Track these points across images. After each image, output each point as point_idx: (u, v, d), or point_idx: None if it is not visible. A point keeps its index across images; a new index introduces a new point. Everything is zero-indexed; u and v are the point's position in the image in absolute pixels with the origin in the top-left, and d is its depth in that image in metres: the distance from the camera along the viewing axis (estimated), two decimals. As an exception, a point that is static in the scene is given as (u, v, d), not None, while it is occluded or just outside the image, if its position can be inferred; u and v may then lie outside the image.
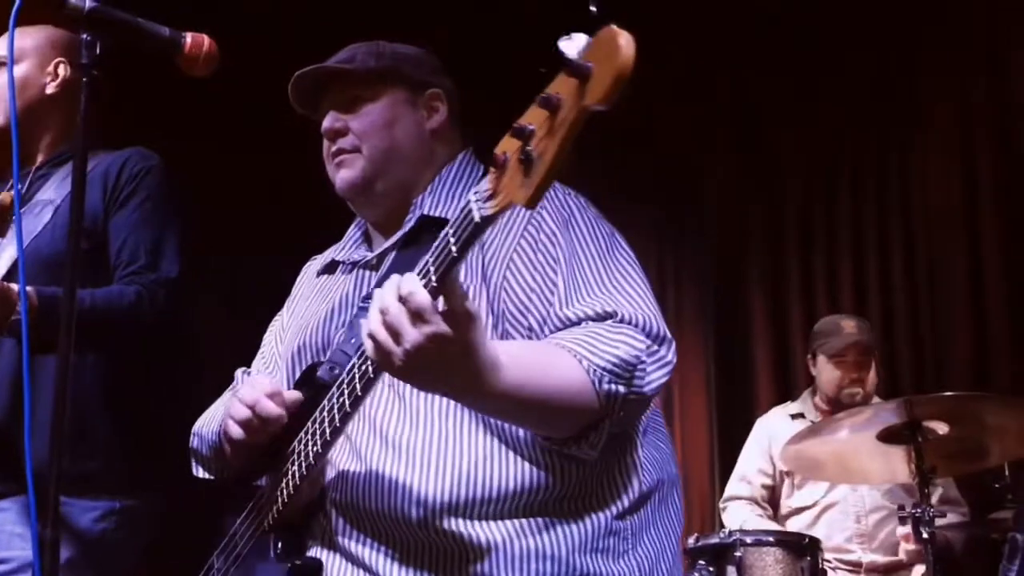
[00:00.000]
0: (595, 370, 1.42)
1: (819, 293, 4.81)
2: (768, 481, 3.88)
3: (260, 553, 1.58)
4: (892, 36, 4.71)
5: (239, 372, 1.89)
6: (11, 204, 1.88)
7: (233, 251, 4.18)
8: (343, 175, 1.71)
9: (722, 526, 3.86)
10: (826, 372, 3.84)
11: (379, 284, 1.65)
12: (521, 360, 1.40)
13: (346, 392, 1.44)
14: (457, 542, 1.46)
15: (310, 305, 1.77)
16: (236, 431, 1.57)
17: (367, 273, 1.71)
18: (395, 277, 1.31)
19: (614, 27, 1.10)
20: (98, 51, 1.56)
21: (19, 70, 2.22)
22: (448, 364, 1.30)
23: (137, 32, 1.61)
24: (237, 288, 4.19)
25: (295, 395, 1.56)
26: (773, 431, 3.89)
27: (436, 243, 1.30)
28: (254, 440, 1.57)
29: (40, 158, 2.29)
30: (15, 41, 2.20)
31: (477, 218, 1.25)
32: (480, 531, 1.46)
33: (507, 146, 1.20)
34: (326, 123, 1.72)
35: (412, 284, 1.28)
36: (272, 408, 1.54)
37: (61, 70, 2.29)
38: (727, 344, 4.97)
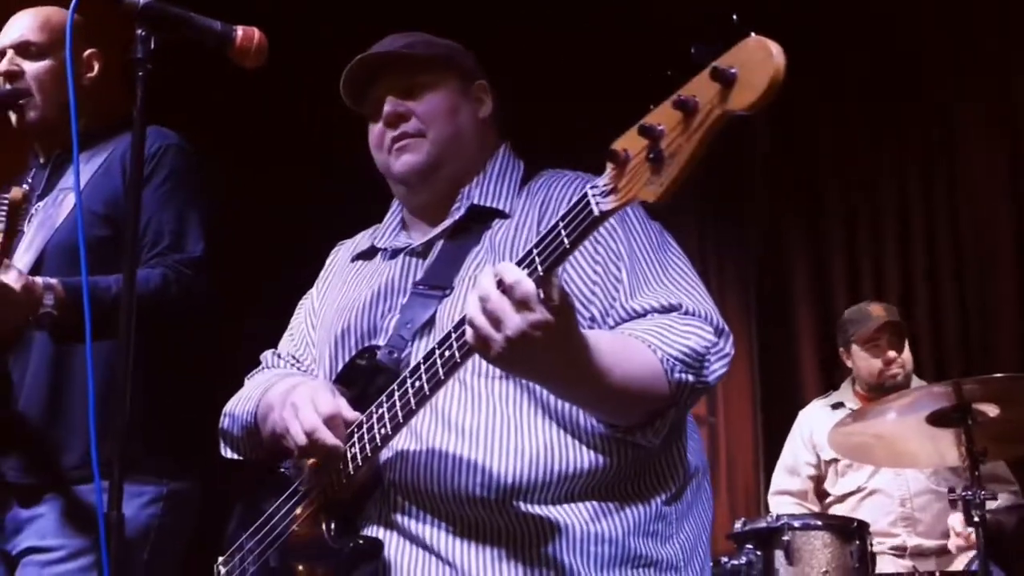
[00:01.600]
0: (668, 359, 1.47)
1: (864, 278, 4.77)
2: (813, 472, 3.87)
3: (310, 534, 1.60)
4: (932, 19, 4.66)
5: (268, 353, 1.90)
6: (23, 198, 1.91)
7: (260, 237, 4.23)
8: (406, 159, 1.72)
9: (768, 512, 3.86)
10: (863, 360, 3.83)
11: (428, 271, 1.68)
12: (607, 348, 1.44)
13: (424, 377, 1.46)
14: (521, 523, 1.49)
15: (348, 290, 1.78)
16: (288, 449, 1.58)
17: (414, 260, 1.73)
18: (491, 267, 1.35)
19: (759, 36, 1.15)
20: (152, 46, 1.59)
21: (54, 61, 2.24)
22: (548, 351, 1.34)
23: (190, 27, 1.63)
24: (265, 271, 4.24)
25: (354, 415, 1.55)
26: (814, 422, 3.89)
27: (545, 235, 1.32)
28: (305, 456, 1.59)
29: (61, 147, 2.29)
30: (45, 33, 2.25)
31: (596, 212, 1.28)
32: (545, 513, 1.50)
33: (629, 144, 1.23)
34: (388, 108, 1.72)
35: (517, 273, 1.31)
36: (331, 439, 1.52)
37: (96, 62, 2.30)
38: (770, 332, 4.94)
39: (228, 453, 1.83)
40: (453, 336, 1.42)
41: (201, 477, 2.22)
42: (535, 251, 1.32)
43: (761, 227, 5.02)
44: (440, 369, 1.44)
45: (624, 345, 1.47)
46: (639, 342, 1.47)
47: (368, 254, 1.82)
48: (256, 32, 1.68)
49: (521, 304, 1.30)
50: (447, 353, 1.43)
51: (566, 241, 1.30)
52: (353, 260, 1.84)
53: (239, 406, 1.77)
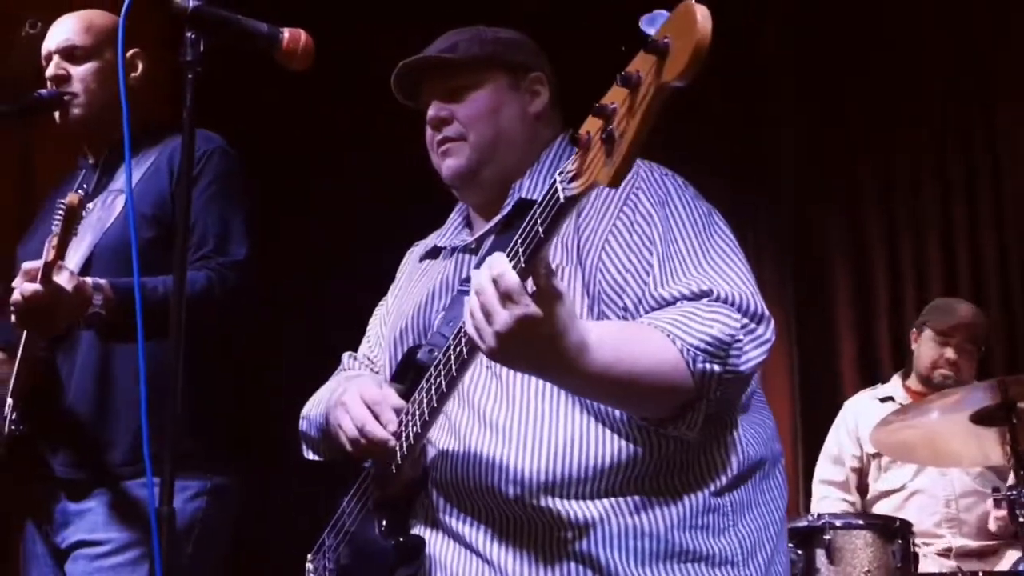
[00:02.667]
0: (688, 349, 1.41)
1: (906, 272, 4.69)
2: (856, 464, 3.83)
3: (366, 531, 1.63)
4: (979, 7, 4.59)
5: (346, 356, 1.93)
6: (79, 204, 1.95)
7: (313, 234, 4.26)
8: (449, 163, 1.73)
9: (807, 508, 3.84)
10: (926, 348, 3.78)
11: (478, 267, 1.69)
12: (612, 340, 1.40)
13: (443, 373, 1.47)
14: (555, 519, 1.48)
15: (412, 290, 1.80)
16: (346, 445, 1.60)
17: (466, 257, 1.74)
18: (489, 259, 1.33)
19: (691, 1, 1.10)
20: (201, 49, 1.61)
21: (99, 63, 2.27)
22: (537, 344, 1.32)
23: (238, 29, 1.65)
24: (320, 273, 4.27)
25: (401, 403, 1.56)
26: (860, 414, 3.84)
27: (524, 224, 1.31)
28: (363, 455, 1.60)
29: (108, 149, 2.31)
30: (90, 36, 2.27)
31: (562, 198, 1.26)
32: (578, 509, 1.48)
33: (590, 126, 1.20)
34: (431, 112, 1.74)
35: (501, 266, 1.30)
36: (379, 433, 1.54)
37: (140, 62, 2.33)
38: (809, 326, 4.90)
39: (309, 455, 1.85)
40: (461, 333, 1.41)
41: (242, 472, 2.26)
42: (518, 241, 1.32)
43: (798, 220, 4.98)
44: (452, 365, 1.44)
45: (637, 336, 1.43)
46: (659, 332, 1.42)
47: (433, 253, 1.83)
48: (302, 34, 1.70)
49: (505, 297, 1.29)
50: (457, 349, 1.43)
51: (541, 230, 1.28)
52: (421, 260, 1.86)
53: (314, 409, 1.80)
